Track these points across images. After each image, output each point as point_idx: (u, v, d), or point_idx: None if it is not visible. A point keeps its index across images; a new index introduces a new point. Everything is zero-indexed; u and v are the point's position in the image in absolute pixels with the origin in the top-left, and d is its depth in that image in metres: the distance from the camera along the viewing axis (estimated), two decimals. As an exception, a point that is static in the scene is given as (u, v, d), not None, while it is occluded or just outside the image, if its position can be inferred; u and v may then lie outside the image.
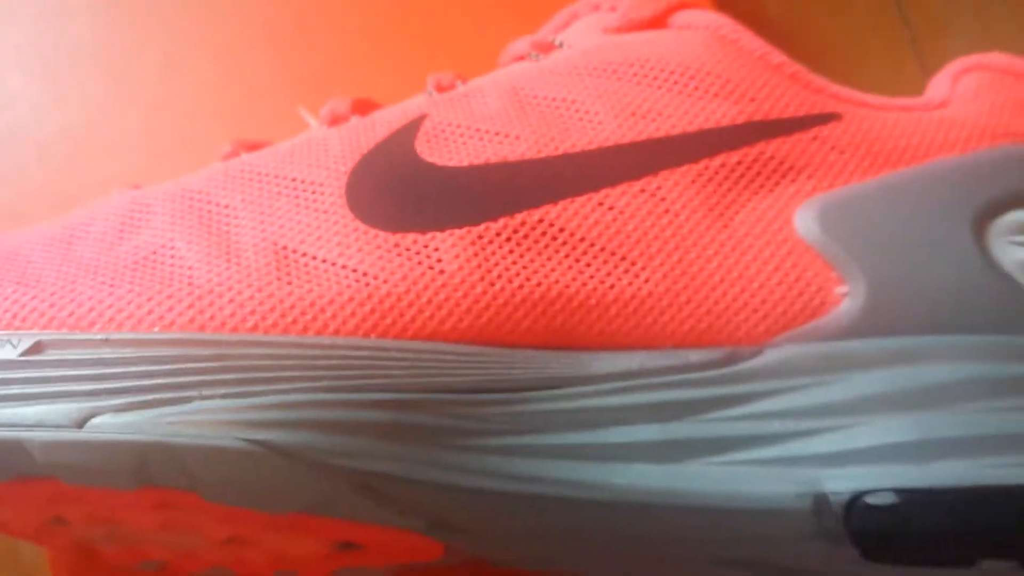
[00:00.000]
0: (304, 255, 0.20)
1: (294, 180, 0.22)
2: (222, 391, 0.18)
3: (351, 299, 0.20)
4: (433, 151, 0.22)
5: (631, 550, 0.21)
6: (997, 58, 0.26)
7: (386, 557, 0.23)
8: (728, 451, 0.20)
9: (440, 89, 0.25)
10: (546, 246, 0.21)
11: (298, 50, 0.35)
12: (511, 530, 0.21)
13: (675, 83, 0.23)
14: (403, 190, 0.21)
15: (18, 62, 0.36)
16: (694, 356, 0.20)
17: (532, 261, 0.21)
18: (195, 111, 0.35)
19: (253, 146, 0.24)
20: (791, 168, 0.22)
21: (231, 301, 0.20)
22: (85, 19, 0.37)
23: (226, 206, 0.22)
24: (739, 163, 0.22)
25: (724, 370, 0.20)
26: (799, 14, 0.41)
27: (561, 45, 0.25)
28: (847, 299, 0.21)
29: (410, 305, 0.20)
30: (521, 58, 0.26)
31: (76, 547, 0.25)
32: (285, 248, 0.21)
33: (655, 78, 0.23)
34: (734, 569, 0.21)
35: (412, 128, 0.23)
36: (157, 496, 0.20)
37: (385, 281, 0.20)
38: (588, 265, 0.21)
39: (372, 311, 0.20)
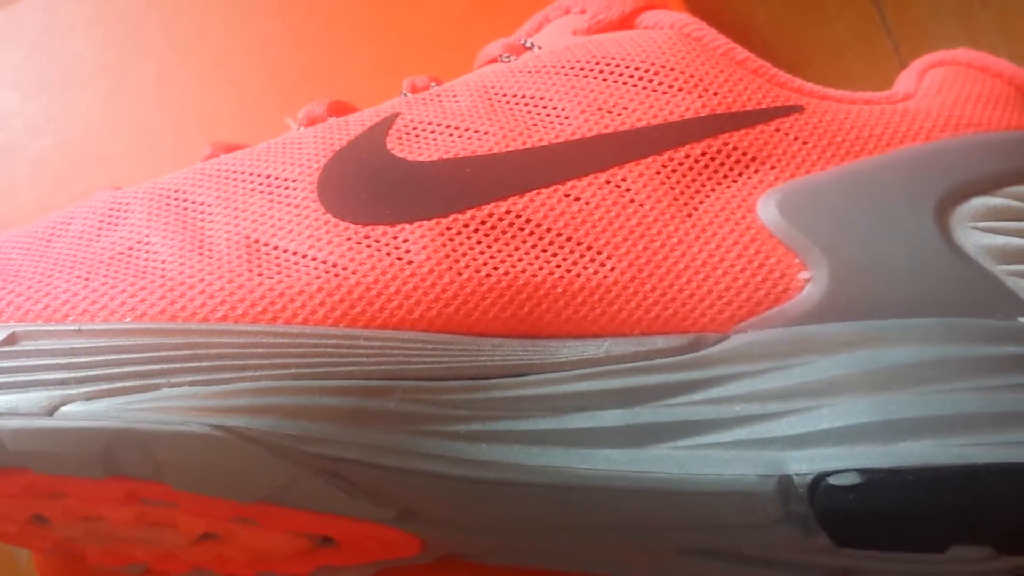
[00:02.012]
0: (275, 248, 0.21)
1: (268, 177, 0.22)
2: (190, 379, 0.19)
3: (320, 289, 0.20)
4: (404, 147, 0.23)
5: (600, 539, 0.21)
6: (964, 53, 0.26)
7: (363, 553, 0.24)
8: (693, 435, 0.20)
9: (415, 91, 0.25)
10: (513, 236, 0.21)
11: (289, 62, 0.36)
12: (479, 518, 0.21)
13: (639, 79, 0.23)
14: (373, 184, 0.22)
15: (12, 81, 0.37)
16: (660, 342, 0.21)
17: (499, 252, 0.21)
18: (188, 127, 0.36)
19: (232, 148, 0.24)
20: (754, 159, 0.22)
21: (202, 292, 0.20)
22: (80, 38, 0.37)
23: (201, 203, 0.22)
24: (703, 154, 0.22)
25: (689, 356, 0.20)
26: (782, 24, 0.42)
27: (532, 47, 0.26)
28: (810, 284, 0.21)
29: (379, 295, 0.20)
30: (494, 60, 0.26)
31: (61, 550, 0.25)
32: (257, 242, 0.21)
33: (620, 74, 0.23)
34: (703, 559, 0.22)
35: (384, 126, 0.23)
36: (128, 487, 0.20)
37: (354, 272, 0.20)
38: (555, 255, 0.21)
39: (341, 301, 0.20)
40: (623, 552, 0.22)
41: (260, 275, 0.20)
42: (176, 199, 0.22)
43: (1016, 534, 0.20)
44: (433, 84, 0.26)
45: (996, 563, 0.21)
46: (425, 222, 0.21)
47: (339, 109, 0.25)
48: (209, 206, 0.22)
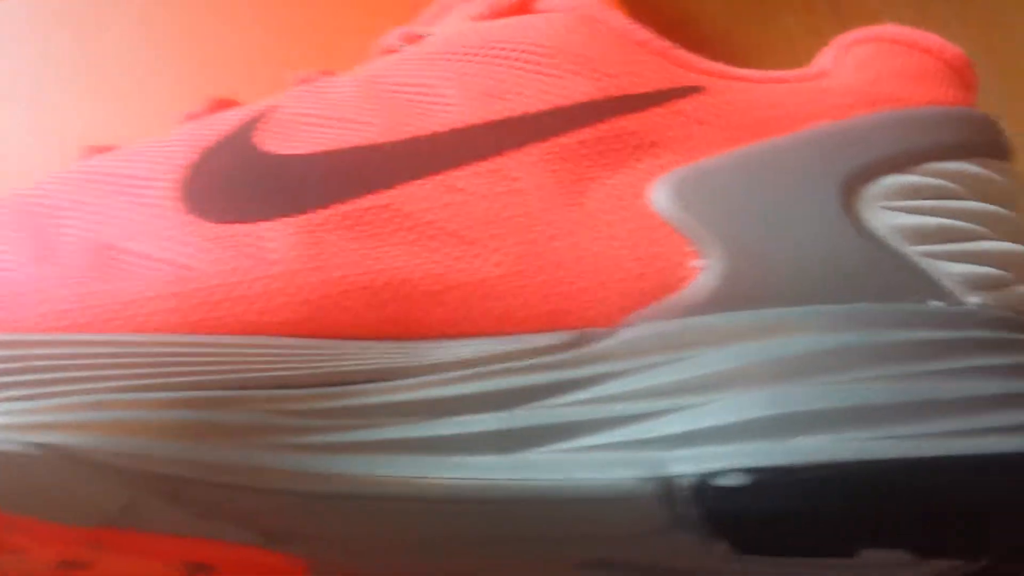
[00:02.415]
0: (127, 252, 0.19)
1: (130, 178, 0.21)
2: (17, 393, 0.17)
3: (172, 294, 0.19)
4: (276, 141, 0.21)
5: (485, 554, 0.20)
6: (889, 29, 0.24)
7: (244, 578, 0.22)
8: (573, 437, 0.18)
9: (303, 84, 0.24)
10: (390, 232, 0.20)
11: (181, 63, 0.34)
12: (352, 538, 0.19)
13: (528, 62, 0.22)
14: (238, 181, 0.20)
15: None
16: (541, 340, 0.19)
17: (373, 248, 0.20)
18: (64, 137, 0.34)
19: (106, 150, 0.23)
20: (650, 143, 0.21)
21: (43, 301, 0.19)
22: None
23: (56, 207, 0.21)
24: (594, 139, 0.21)
25: (570, 353, 0.19)
26: (729, 18, 0.40)
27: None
28: (703, 273, 0.19)
29: (228, 298, 0.19)
30: (391, 51, 0.25)
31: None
32: (109, 246, 0.20)
33: (507, 58, 0.22)
34: (599, 572, 0.20)
35: (258, 119, 0.22)
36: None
37: (205, 273, 0.19)
38: (433, 250, 0.20)
39: (189, 305, 0.19)
40: (519, 570, 0.21)
41: (106, 280, 0.19)
42: (30, 204, 0.21)
43: (934, 536, 0.18)
44: (324, 78, 0.24)
45: (922, 568, 0.19)
46: (288, 218, 0.20)
47: (221, 106, 0.24)
48: (63, 210, 0.21)
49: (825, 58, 0.24)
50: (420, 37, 0.25)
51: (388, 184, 0.20)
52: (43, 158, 0.34)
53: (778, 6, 0.40)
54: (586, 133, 0.21)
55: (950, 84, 0.23)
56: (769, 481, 0.17)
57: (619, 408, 0.18)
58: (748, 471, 0.17)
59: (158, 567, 0.21)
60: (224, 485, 0.17)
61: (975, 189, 0.21)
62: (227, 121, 0.22)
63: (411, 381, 0.19)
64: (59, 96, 0.35)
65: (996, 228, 0.20)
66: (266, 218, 0.20)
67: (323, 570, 0.21)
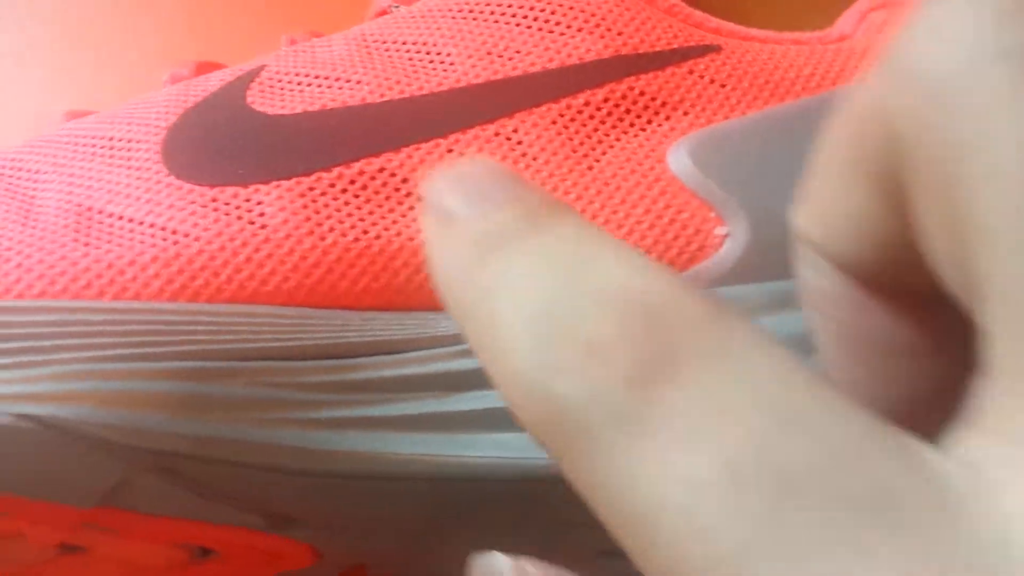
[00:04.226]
0: (110, 215, 0.18)
1: (110, 139, 0.20)
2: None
3: (155, 259, 0.17)
4: (265, 100, 0.20)
5: (501, 538, 0.19)
6: (903, -7, 0.24)
7: (250, 565, 0.21)
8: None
9: (292, 45, 0.23)
10: (387, 197, 0.19)
11: (181, 42, 0.33)
12: (360, 521, 0.18)
13: (534, 19, 0.21)
14: (226, 142, 0.19)
15: None
16: (556, 311, 0.18)
17: (371, 213, 0.18)
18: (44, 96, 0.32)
19: (84, 114, 0.22)
20: (664, 104, 0.20)
21: (18, 266, 0.17)
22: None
23: (35, 172, 0.19)
24: (605, 100, 0.20)
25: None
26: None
27: (425, -4, 0.23)
28: (728, 241, 0.18)
29: (225, 264, 0.17)
30: (384, 12, 0.24)
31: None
32: (90, 209, 0.18)
33: (513, 15, 0.21)
34: (622, 562, 0.19)
35: (246, 79, 0.20)
36: (-53, 493, 0.17)
37: (197, 239, 0.18)
38: (436, 217, 0.18)
39: (179, 272, 0.17)
40: (536, 556, 0.19)
41: (87, 245, 0.17)
42: (9, 168, 0.19)
43: None
44: (314, 40, 0.23)
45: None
46: (283, 181, 0.18)
47: (206, 68, 0.22)
48: (42, 174, 0.19)
49: (845, 22, 0.23)
50: (415, -2, 0.24)
51: (384, 147, 0.19)
52: (22, 126, 0.32)
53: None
54: (596, 94, 0.20)
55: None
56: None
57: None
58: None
59: (159, 550, 0.19)
60: (222, 461, 0.16)
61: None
62: (213, 82, 0.21)
63: (419, 354, 0.17)
64: (39, 62, 0.33)
65: None
66: (256, 181, 0.18)
67: (333, 557, 0.20)
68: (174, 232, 0.18)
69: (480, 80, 0.20)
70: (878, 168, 0.11)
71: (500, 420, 0.17)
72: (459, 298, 0.11)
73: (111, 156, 0.19)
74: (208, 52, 0.31)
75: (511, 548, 0.18)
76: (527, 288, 0.10)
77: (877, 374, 0.12)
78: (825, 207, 0.12)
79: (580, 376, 0.09)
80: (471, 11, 0.21)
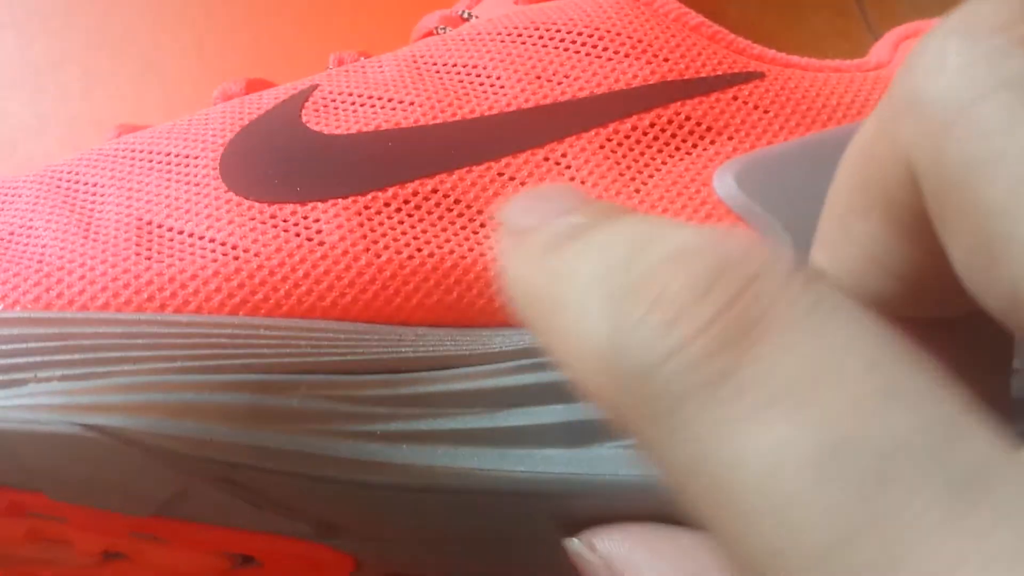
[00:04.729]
0: (170, 229, 0.19)
1: (167, 155, 0.20)
2: (61, 372, 0.16)
3: (216, 273, 0.18)
4: (320, 120, 0.20)
5: (546, 551, 0.19)
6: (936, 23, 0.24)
7: (288, 574, 0.21)
8: (640, 431, 0.17)
9: (340, 65, 0.23)
10: (440, 217, 0.19)
11: (219, 54, 0.33)
12: (407, 531, 0.18)
13: (583, 44, 0.21)
14: (283, 160, 0.19)
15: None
16: (604, 330, 0.18)
17: (424, 232, 0.19)
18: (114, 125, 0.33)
19: (137, 128, 0.22)
20: (709, 129, 0.20)
21: (82, 278, 0.18)
22: (5, 37, 0.35)
23: (93, 184, 0.20)
24: (652, 125, 0.20)
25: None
26: (755, 20, 0.40)
27: (471, 18, 0.24)
28: (772, 264, 0.19)
29: (284, 279, 0.18)
30: (430, 33, 0.24)
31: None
32: (150, 223, 0.19)
33: (562, 40, 0.21)
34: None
35: (300, 98, 0.21)
36: (8, 498, 0.18)
37: (256, 254, 0.18)
38: (486, 237, 0.19)
39: (240, 286, 0.18)
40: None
41: (149, 258, 0.18)
42: (66, 180, 0.20)
43: None
44: (362, 59, 0.23)
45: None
46: (340, 200, 0.19)
47: (257, 86, 0.23)
48: (101, 187, 0.20)
49: (881, 50, 0.23)
50: (462, 20, 0.24)
51: (437, 169, 0.19)
52: (54, 143, 0.33)
53: (805, 6, 0.40)
54: (643, 119, 0.20)
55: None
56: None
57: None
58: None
59: (201, 558, 0.20)
60: (280, 472, 0.17)
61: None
62: (267, 100, 0.21)
63: (471, 370, 0.18)
64: (68, 83, 0.34)
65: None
66: (313, 199, 0.19)
67: (372, 566, 0.21)
68: (234, 247, 0.18)
69: (530, 104, 0.20)
70: (891, 198, 0.11)
71: (550, 436, 0.18)
72: (527, 290, 0.11)
73: (169, 171, 0.20)
74: (247, 65, 0.32)
75: (555, 563, 0.19)
76: (596, 260, 0.10)
77: None
78: (839, 246, 0.12)
79: (658, 335, 0.09)
80: (519, 35, 0.22)
